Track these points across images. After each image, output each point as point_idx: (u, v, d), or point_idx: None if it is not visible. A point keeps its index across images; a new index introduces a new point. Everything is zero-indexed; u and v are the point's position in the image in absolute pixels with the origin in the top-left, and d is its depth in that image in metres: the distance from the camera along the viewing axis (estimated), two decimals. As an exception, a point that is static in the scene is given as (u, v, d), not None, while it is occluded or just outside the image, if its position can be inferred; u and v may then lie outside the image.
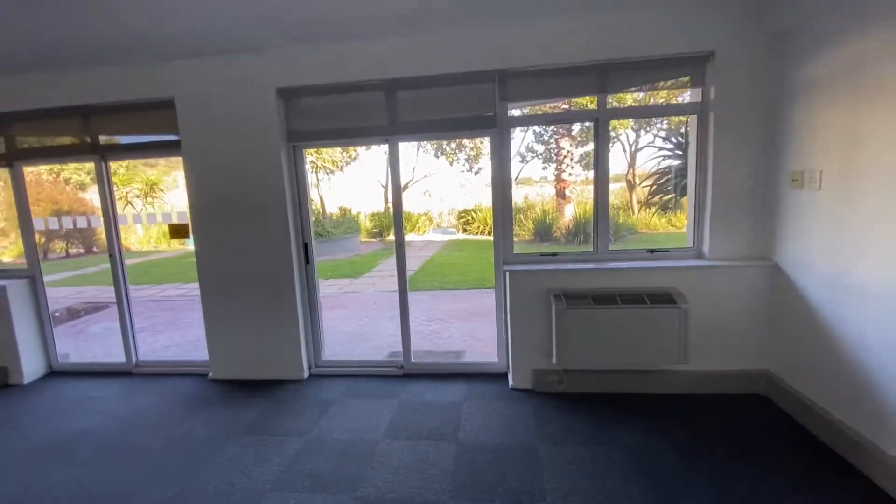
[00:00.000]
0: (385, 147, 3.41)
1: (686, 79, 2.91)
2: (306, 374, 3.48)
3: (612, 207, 3.21)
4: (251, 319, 3.43)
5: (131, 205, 16.46)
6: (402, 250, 3.45)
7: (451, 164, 15.03)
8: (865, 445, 2.07)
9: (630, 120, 10.24)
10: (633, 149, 12.29)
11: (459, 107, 3.13)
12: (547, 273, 2.98)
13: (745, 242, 2.88)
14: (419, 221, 14.64)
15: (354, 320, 5.29)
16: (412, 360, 3.49)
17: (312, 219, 3.60)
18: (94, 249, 15.06)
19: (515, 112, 3.24)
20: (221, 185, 3.32)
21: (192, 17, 2.57)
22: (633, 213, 11.26)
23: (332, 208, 15.00)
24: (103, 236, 3.66)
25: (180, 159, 3.35)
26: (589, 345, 2.78)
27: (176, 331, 5.32)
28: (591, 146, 3.21)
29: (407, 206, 15.67)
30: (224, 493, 2.15)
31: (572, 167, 11.65)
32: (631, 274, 2.91)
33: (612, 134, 11.42)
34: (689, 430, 2.51)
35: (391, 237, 15.20)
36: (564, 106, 3.89)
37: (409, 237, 13.54)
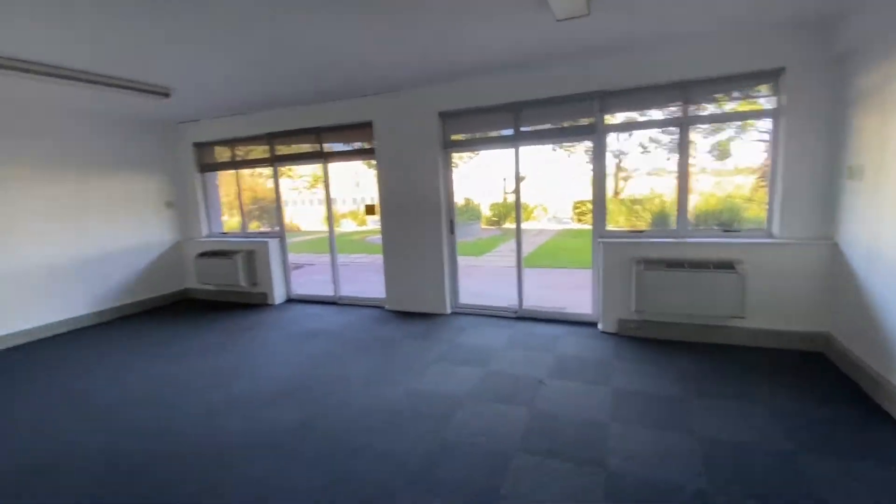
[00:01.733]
0: (510, 151, 4.62)
1: (762, 88, 3.54)
2: (448, 310, 4.92)
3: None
4: (414, 271, 4.98)
5: (301, 193, 20.24)
6: (520, 231, 4.65)
7: (569, 156, 15.61)
8: None
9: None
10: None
11: (566, 118, 4.19)
12: (633, 245, 3.90)
13: (809, 224, 3.44)
14: (534, 211, 15.60)
15: (479, 284, 6.66)
16: (523, 307, 4.69)
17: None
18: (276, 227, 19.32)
19: (615, 119, 4.17)
20: (399, 178, 4.90)
21: (390, 68, 4.08)
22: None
23: (457, 199, 16.81)
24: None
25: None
26: (661, 300, 3.66)
27: (352, 283, 7.32)
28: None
29: (525, 198, 16.78)
30: (407, 363, 3.64)
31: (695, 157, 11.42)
32: (705, 247, 3.67)
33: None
34: (741, 369, 3.27)
35: (508, 225, 16.49)
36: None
37: (524, 225, 14.64)
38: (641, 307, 3.77)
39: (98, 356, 4.11)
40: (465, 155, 5.89)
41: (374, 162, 5.07)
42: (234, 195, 6.37)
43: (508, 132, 4.46)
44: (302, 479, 2.23)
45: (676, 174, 3.90)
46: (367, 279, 7.73)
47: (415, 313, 4.99)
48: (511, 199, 4.74)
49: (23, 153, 4.56)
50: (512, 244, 11.86)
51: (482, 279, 7.20)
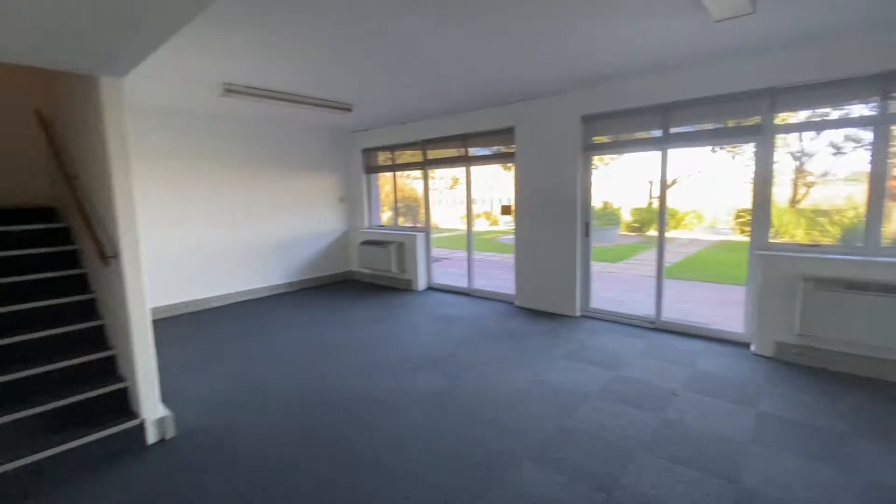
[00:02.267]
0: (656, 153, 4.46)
1: None
2: (577, 313, 4.97)
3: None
4: (545, 270, 5.15)
5: (441, 193, 21.62)
6: (662, 238, 4.46)
7: (733, 158, 13.71)
8: None
9: None
10: None
11: (725, 118, 3.89)
12: (801, 260, 3.45)
13: None
14: (685, 218, 14.11)
15: (613, 291, 6.47)
16: (662, 319, 4.48)
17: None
18: (418, 224, 21.16)
19: (792, 117, 3.72)
20: (537, 180, 5.11)
21: (535, 77, 4.31)
22: None
23: (595, 202, 16.14)
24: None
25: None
26: (834, 325, 3.19)
27: (484, 278, 7.76)
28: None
29: (674, 203, 15.28)
30: (536, 355, 3.85)
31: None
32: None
33: None
34: (940, 413, 2.70)
35: (652, 232, 15.17)
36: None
37: (672, 233, 13.36)
38: (807, 331, 3.34)
39: (286, 317, 5.25)
40: (607, 157, 5.76)
41: (510, 165, 5.37)
42: (387, 193, 7.33)
43: (656, 134, 4.31)
44: (442, 434, 2.65)
45: (868, 179, 3.33)
46: (497, 275, 8.11)
47: (543, 312, 5.16)
48: (656, 204, 4.56)
49: (249, 157, 6.05)
50: (652, 253, 10.98)
51: (617, 286, 6.95)
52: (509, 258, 5.73)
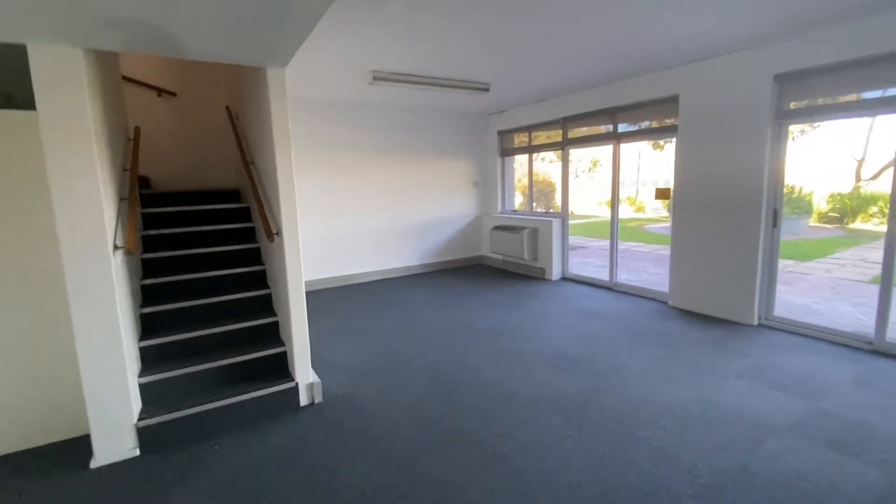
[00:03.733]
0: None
1: None
2: (755, 321, 4.05)
3: None
4: (711, 267, 4.30)
5: (577, 177, 20.52)
6: (894, 234, 3.29)
7: None
8: None
9: None
10: None
11: None
12: None
13: None
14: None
15: (804, 297, 5.16)
16: (886, 339, 3.36)
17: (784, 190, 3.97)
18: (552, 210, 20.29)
19: None
20: (706, 158, 4.26)
21: (707, 31, 3.50)
22: None
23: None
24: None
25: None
26: None
27: (629, 272, 6.98)
28: None
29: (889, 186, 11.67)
30: (697, 367, 3.22)
31: None
32: None
33: None
34: None
35: (858, 224, 11.80)
36: None
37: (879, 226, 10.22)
38: None
39: (422, 297, 5.41)
40: (796, 130, 4.52)
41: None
42: (519, 178, 7.02)
43: (888, 93, 3.17)
44: (584, 446, 2.34)
45: None
46: (643, 268, 7.21)
47: (706, 316, 4.34)
48: (869, 187, 3.38)
49: (390, 145, 6.34)
50: (859, 251, 8.36)
51: (809, 291, 5.53)
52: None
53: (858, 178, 11.81)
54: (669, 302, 4.75)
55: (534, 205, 6.94)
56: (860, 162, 12.00)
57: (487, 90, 4.97)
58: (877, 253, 7.52)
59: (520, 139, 6.77)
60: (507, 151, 7.04)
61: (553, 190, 9.23)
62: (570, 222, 6.19)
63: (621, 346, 3.64)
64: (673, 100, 4.51)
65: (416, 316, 4.68)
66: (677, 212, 4.59)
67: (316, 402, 2.90)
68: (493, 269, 7.03)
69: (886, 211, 3.39)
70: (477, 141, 7.19)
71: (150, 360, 2.73)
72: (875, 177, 11.40)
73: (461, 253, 7.28)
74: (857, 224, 10.82)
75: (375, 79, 4.24)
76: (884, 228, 3.40)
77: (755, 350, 3.48)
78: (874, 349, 3.39)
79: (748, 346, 3.58)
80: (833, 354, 3.35)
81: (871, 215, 10.39)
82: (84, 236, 2.18)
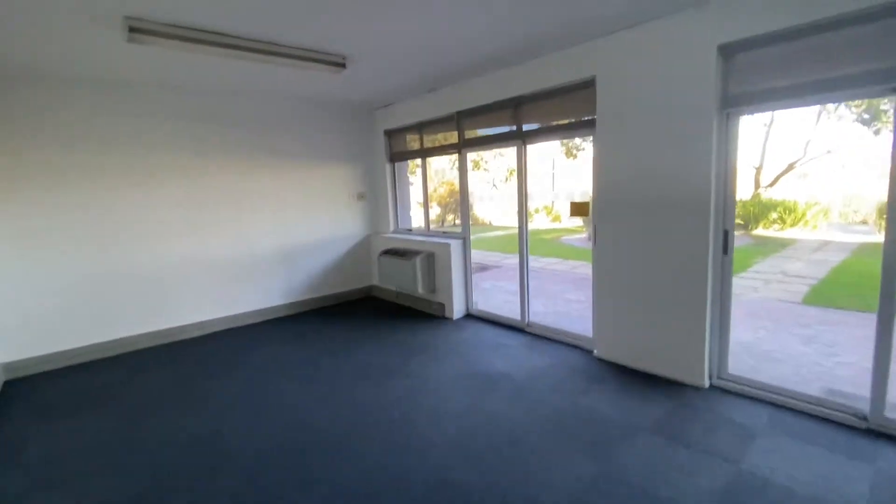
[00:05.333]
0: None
1: None
2: (706, 382, 2.98)
3: None
4: (646, 305, 3.20)
5: (495, 186, 19.90)
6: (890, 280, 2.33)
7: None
8: None
9: None
10: None
11: None
12: None
13: None
14: (806, 215, 11.06)
15: (745, 329, 4.31)
16: (885, 413, 2.39)
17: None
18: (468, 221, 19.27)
19: None
20: (633, 160, 3.17)
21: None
22: None
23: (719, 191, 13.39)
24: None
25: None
26: None
27: (546, 298, 5.87)
28: None
29: (787, 193, 12.15)
30: (651, 488, 1.99)
31: None
32: None
33: None
34: None
35: (759, 231, 12.10)
36: None
37: (790, 233, 10.43)
38: None
39: (268, 358, 3.77)
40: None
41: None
42: (438, 186, 5.67)
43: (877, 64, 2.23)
44: None
45: None
46: (561, 294, 6.16)
47: (644, 374, 3.22)
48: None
49: (227, 142, 4.63)
50: (775, 262, 8.05)
51: (745, 318, 4.73)
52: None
53: (757, 185, 12.17)
54: (595, 352, 3.59)
55: (450, 218, 5.59)
56: (758, 169, 12.40)
57: (343, 65, 3.51)
58: (792, 264, 7.34)
59: (412, 140, 5.41)
60: (398, 156, 5.65)
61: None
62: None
63: (533, 455, 2.32)
64: (588, 85, 3.40)
65: (238, 399, 3.04)
66: (600, 230, 3.46)
67: None
68: (385, 303, 5.55)
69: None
70: (362, 142, 5.71)
71: None
72: (772, 184, 11.82)
73: (346, 284, 5.72)
74: (760, 230, 11.00)
75: (133, 31, 2.58)
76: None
77: (723, 442, 2.34)
78: (870, 427, 2.41)
79: (710, 429, 2.45)
80: (824, 443, 2.30)
81: (772, 221, 10.58)
82: None
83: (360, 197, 5.79)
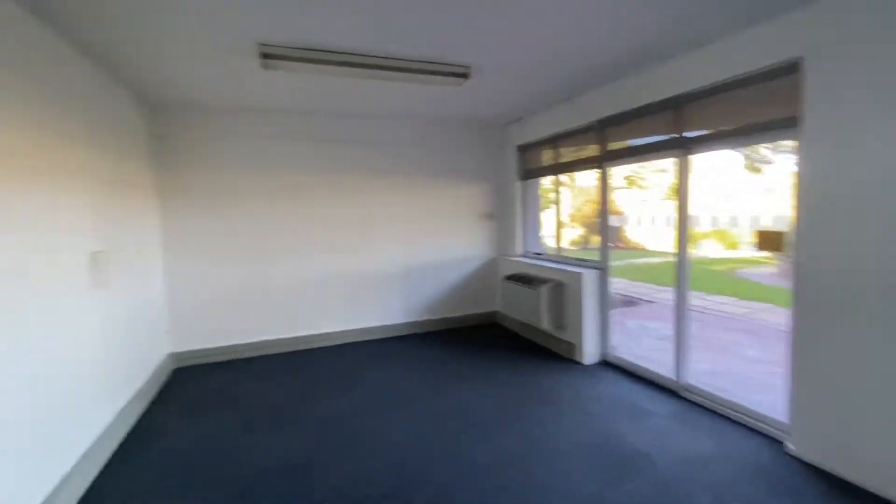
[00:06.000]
0: None
1: None
2: None
3: None
4: (878, 382, 2.07)
5: (652, 205, 17.65)
6: None
7: None
8: None
9: None
10: None
11: None
12: None
13: None
14: None
15: None
16: None
17: None
18: (619, 244, 17.47)
19: None
20: (864, 173, 2.11)
21: None
22: None
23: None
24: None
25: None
26: None
27: (712, 351, 4.63)
28: None
29: None
30: None
31: None
32: None
33: None
34: None
35: None
36: None
37: None
38: None
39: (383, 378, 3.66)
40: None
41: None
42: (572, 206, 5.08)
43: None
44: None
45: None
46: (734, 347, 4.79)
47: (877, 498, 2.07)
48: None
49: (358, 162, 4.78)
50: None
51: None
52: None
53: None
54: (790, 446, 2.50)
55: (594, 240, 4.92)
56: None
57: (467, 76, 3.23)
58: None
59: (546, 155, 4.88)
60: (530, 173, 5.17)
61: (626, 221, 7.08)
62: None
63: None
64: (788, 70, 2.44)
65: (339, 424, 2.92)
66: (803, 277, 2.41)
67: None
68: (508, 333, 5.06)
69: None
70: (490, 159, 5.41)
71: None
72: None
73: (468, 308, 5.42)
74: None
75: (266, 56, 2.70)
76: None
77: None
78: None
79: None
80: None
81: None
82: None
83: (487, 217, 5.46)
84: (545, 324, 4.26)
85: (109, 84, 3.10)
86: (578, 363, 4.03)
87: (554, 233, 5.03)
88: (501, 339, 4.85)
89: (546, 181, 5.29)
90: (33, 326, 2.07)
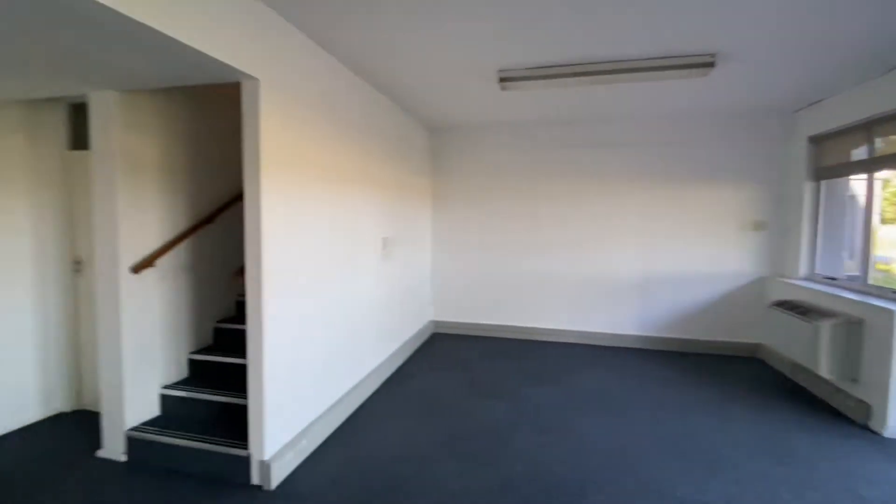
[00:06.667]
0: None
1: None
2: None
3: None
4: None
5: None
6: None
7: None
8: None
9: None
10: None
11: None
12: None
13: None
14: None
15: None
16: None
17: None
18: None
19: None
20: None
21: None
22: None
23: None
24: None
25: None
26: None
27: None
28: None
29: None
30: None
31: None
32: None
33: None
34: None
35: None
36: None
37: None
38: None
39: (623, 382, 3.67)
40: None
41: None
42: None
43: None
44: None
45: None
46: None
47: None
48: None
49: (597, 165, 4.75)
50: None
51: None
52: None
53: None
54: None
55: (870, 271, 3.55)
56: None
57: (712, 65, 2.83)
58: None
59: (853, 147, 3.62)
60: (828, 171, 3.93)
61: None
62: None
63: None
64: None
65: (550, 408, 3.18)
66: None
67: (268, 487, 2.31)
68: (772, 374, 4.04)
69: None
70: (763, 156, 4.39)
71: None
72: None
73: (718, 334, 4.60)
74: None
75: (504, 80, 3.16)
76: None
77: None
78: None
79: None
80: None
81: None
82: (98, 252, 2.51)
83: (757, 226, 4.46)
84: (825, 371, 3.24)
85: (403, 116, 4.28)
86: (875, 433, 2.90)
87: (860, 252, 3.68)
88: (760, 377, 3.93)
89: (853, 182, 3.91)
90: (353, 282, 3.20)
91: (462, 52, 2.82)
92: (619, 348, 4.74)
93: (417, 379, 3.83)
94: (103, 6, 1.43)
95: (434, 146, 5.21)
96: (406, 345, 4.40)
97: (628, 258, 4.76)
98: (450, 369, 4.06)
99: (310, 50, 2.62)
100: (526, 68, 3.08)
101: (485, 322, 5.19)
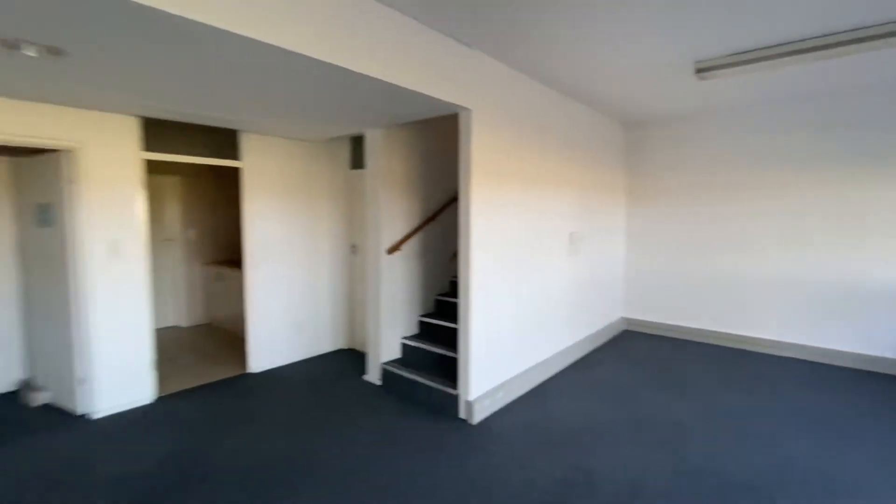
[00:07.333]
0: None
1: None
2: None
3: None
4: None
5: None
6: None
7: None
8: None
9: None
10: None
11: None
12: None
13: None
14: None
15: None
16: None
17: None
18: None
19: None
20: None
21: None
22: None
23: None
24: None
25: None
26: None
27: None
28: None
29: None
30: None
31: None
32: None
33: None
34: None
35: None
36: None
37: None
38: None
39: (862, 418, 3.22)
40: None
41: None
42: None
43: None
44: None
45: None
46: None
47: None
48: None
49: (816, 150, 3.90)
50: None
51: None
52: None
53: None
54: None
55: None
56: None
57: None
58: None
59: None
60: None
61: None
62: None
63: None
64: None
65: (741, 422, 3.03)
66: None
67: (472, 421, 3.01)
68: None
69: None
70: None
71: (418, 331, 3.94)
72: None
73: None
74: None
75: (700, 71, 3.08)
76: None
77: None
78: None
79: None
80: None
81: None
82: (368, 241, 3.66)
83: None
84: None
85: (595, 115, 4.48)
86: None
87: None
88: None
89: None
90: (541, 273, 3.69)
91: (654, 51, 2.94)
92: (864, 371, 3.85)
93: (604, 367, 4.03)
94: (383, 82, 2.29)
95: (629, 141, 5.19)
96: (595, 335, 4.61)
97: (881, 263, 3.79)
98: (637, 364, 4.10)
99: (510, 77, 3.21)
100: (725, 55, 2.96)
101: (681, 324, 4.90)
